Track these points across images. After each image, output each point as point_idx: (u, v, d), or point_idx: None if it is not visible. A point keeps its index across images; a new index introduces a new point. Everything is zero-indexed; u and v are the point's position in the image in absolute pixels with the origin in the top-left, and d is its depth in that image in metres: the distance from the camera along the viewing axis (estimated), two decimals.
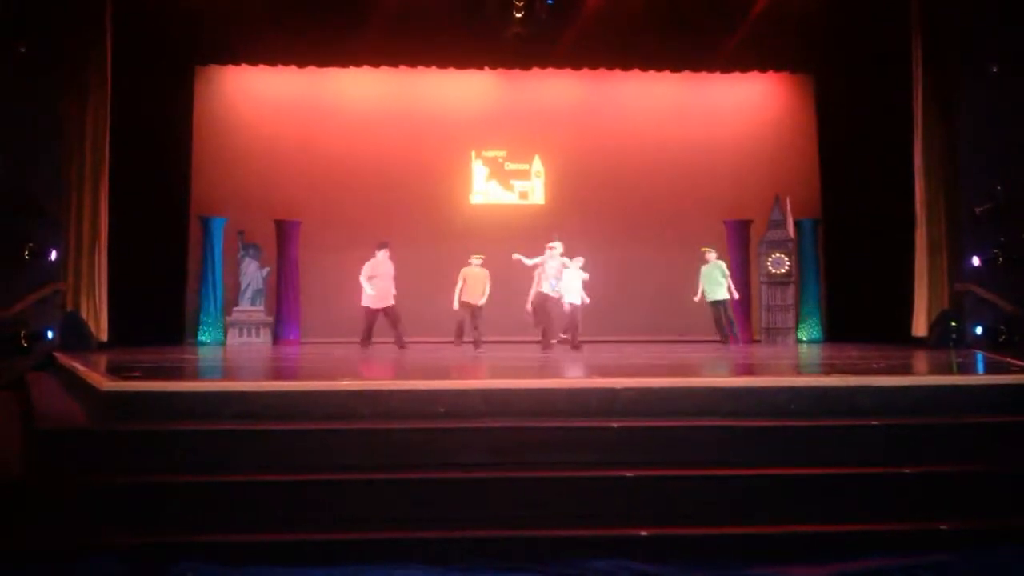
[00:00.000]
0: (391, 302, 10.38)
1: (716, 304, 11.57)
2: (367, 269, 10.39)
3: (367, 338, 10.38)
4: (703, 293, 11.61)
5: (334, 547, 4.29)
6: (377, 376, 6.41)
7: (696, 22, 12.26)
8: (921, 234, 10.77)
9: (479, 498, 4.64)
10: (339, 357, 9.21)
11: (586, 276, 10.77)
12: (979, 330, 9.87)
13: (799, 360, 9.13)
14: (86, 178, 10.18)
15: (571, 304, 10.49)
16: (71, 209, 10.02)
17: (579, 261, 10.83)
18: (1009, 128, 9.42)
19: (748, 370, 7.48)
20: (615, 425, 5.07)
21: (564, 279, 10.22)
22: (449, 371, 7.59)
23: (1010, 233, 9.63)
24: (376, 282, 10.31)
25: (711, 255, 11.78)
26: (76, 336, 9.69)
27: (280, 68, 13.26)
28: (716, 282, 11.53)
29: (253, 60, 13.14)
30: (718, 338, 11.75)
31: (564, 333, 10.67)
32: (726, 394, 5.51)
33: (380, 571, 4.09)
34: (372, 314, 10.36)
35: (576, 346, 10.30)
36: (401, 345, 10.38)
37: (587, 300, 10.73)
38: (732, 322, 11.68)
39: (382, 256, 10.43)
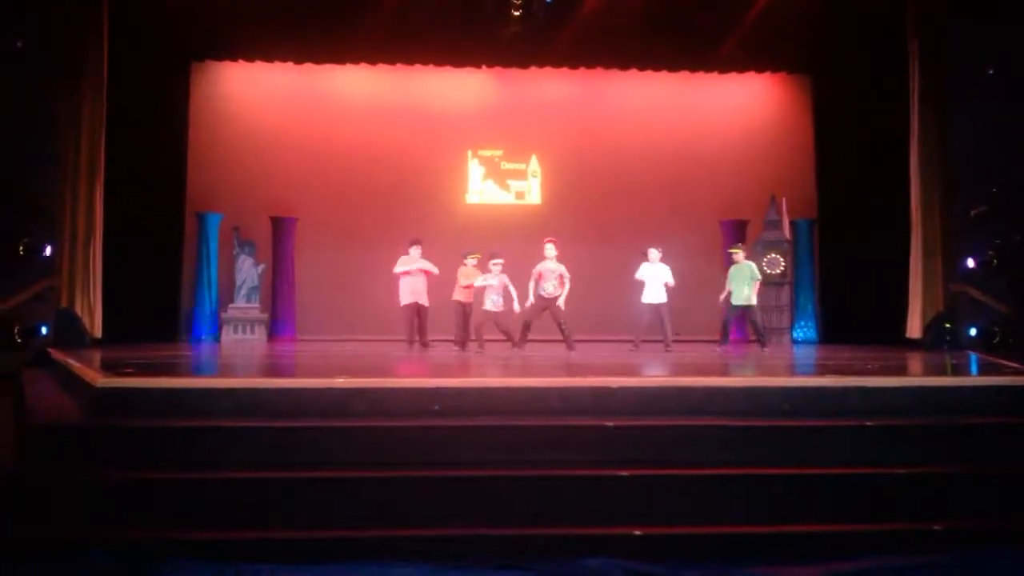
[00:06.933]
0: (423, 301, 10.32)
1: (746, 308, 10.47)
2: (397, 265, 10.41)
3: (410, 337, 10.30)
4: (729, 294, 10.49)
5: (328, 544, 4.29)
6: (372, 374, 6.40)
7: (694, 22, 12.26)
8: (916, 235, 10.80)
9: (474, 496, 4.63)
10: (335, 354, 9.19)
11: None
12: (973, 332, 9.91)
13: (794, 360, 9.15)
14: (81, 173, 10.14)
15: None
16: (66, 205, 9.98)
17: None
18: (1005, 130, 9.46)
19: (743, 370, 7.49)
20: (610, 424, 5.07)
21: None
22: (445, 369, 7.59)
23: (1005, 235, 9.67)
24: (405, 278, 10.32)
25: (739, 255, 10.67)
26: (70, 332, 9.66)
27: (277, 64, 13.22)
28: (744, 284, 10.40)
29: (250, 56, 13.11)
30: (753, 340, 11.13)
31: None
32: (721, 394, 5.51)
33: (373, 568, 4.09)
34: (407, 311, 10.32)
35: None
36: (424, 344, 10.36)
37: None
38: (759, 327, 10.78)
39: (413, 253, 10.44)
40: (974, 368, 7.67)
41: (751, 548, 4.41)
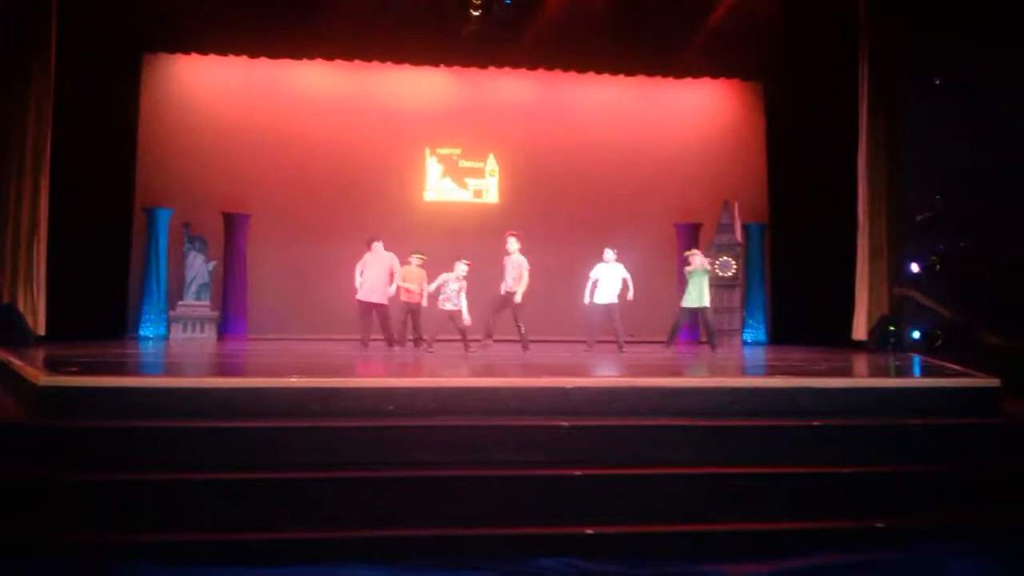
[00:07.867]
0: (381, 299, 10.13)
1: (700, 310, 10.75)
2: (360, 264, 10.23)
3: (365, 336, 10.11)
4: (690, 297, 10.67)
5: (285, 547, 4.24)
6: (327, 373, 6.33)
7: (652, 28, 12.40)
8: (863, 240, 11.07)
9: (427, 497, 4.62)
10: (287, 353, 9.07)
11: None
12: (917, 334, 10.17)
13: (744, 361, 9.30)
14: (26, 167, 9.85)
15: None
16: (9, 199, 9.71)
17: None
18: (950, 139, 9.71)
19: (694, 371, 7.59)
20: (565, 424, 5.10)
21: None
22: (400, 369, 7.55)
23: (948, 241, 9.94)
24: (365, 276, 10.16)
25: (696, 259, 10.87)
26: (12, 329, 9.39)
27: (231, 58, 13.01)
28: (702, 288, 10.67)
29: (204, 49, 12.88)
30: (704, 341, 11.35)
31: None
32: (673, 394, 5.58)
33: (330, 570, 4.06)
34: (362, 307, 10.16)
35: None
36: (390, 344, 10.19)
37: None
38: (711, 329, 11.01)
39: (376, 249, 10.29)
40: (917, 370, 7.87)
41: (704, 546, 4.47)
